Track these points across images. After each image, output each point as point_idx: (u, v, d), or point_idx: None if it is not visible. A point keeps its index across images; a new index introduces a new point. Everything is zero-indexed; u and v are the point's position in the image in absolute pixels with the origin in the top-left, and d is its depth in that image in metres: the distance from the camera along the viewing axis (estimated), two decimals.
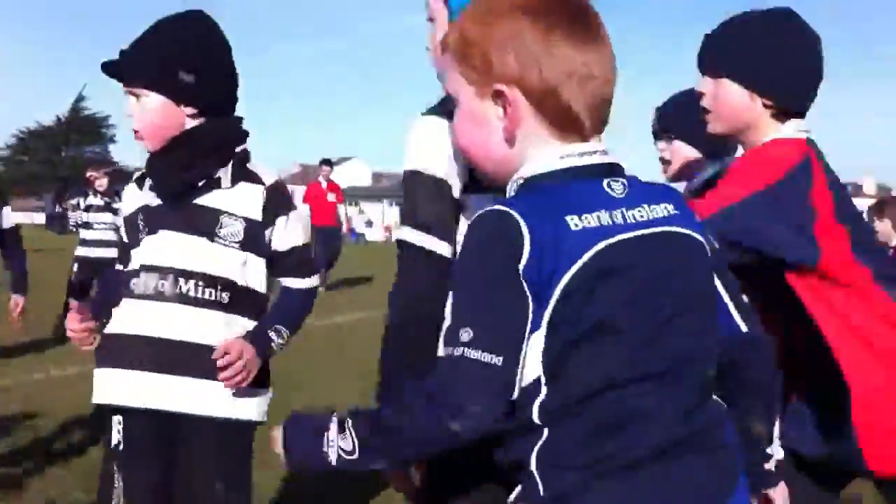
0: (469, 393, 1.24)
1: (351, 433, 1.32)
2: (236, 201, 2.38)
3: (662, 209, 1.37)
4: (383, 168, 69.49)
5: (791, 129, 2.06)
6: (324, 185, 14.87)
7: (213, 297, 2.35)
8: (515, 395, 1.27)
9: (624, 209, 1.32)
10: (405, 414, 1.29)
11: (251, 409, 2.42)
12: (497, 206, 1.28)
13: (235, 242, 2.37)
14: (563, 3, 1.35)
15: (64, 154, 60.88)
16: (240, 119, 2.50)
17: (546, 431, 1.29)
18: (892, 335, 1.96)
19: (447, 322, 1.30)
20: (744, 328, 1.49)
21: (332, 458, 1.34)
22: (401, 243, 1.69)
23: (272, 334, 2.41)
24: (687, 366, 1.35)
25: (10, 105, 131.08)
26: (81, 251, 8.84)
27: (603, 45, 1.36)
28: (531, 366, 1.28)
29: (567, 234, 1.26)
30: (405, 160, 1.69)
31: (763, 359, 1.53)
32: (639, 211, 1.33)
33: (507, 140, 1.37)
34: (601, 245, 1.27)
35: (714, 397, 1.43)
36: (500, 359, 1.23)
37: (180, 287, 2.33)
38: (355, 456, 1.32)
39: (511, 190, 1.38)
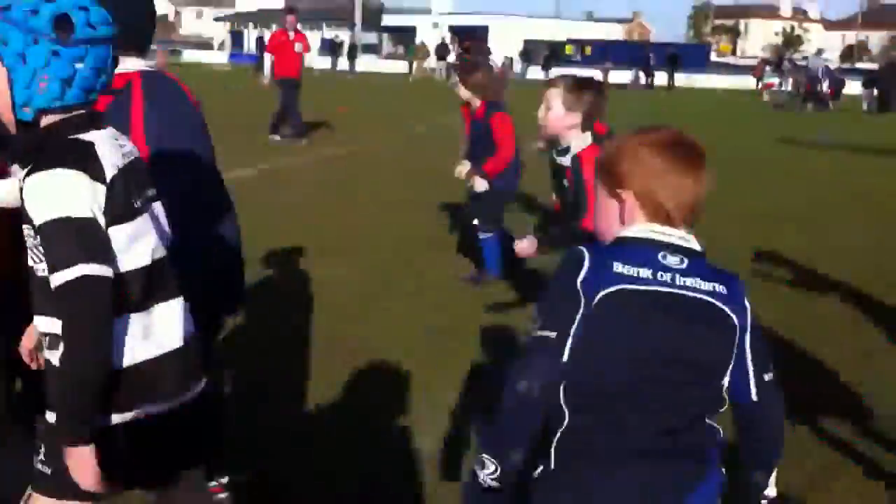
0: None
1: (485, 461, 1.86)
2: None
3: (710, 286, 1.88)
4: None
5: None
6: (291, 35, 14.04)
7: None
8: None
9: (678, 275, 1.86)
10: None
11: None
12: (579, 247, 1.88)
13: None
14: (674, 144, 1.93)
15: None
16: None
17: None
18: None
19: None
20: (754, 397, 1.93)
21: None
22: (85, 279, 1.87)
23: None
24: (670, 401, 1.84)
25: None
26: None
27: (697, 171, 1.92)
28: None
29: (609, 272, 1.84)
30: (45, 211, 1.90)
31: (771, 426, 1.97)
32: (690, 279, 1.86)
33: (621, 221, 1.95)
34: (628, 286, 1.82)
35: (711, 427, 1.90)
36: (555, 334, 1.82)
37: None
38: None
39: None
